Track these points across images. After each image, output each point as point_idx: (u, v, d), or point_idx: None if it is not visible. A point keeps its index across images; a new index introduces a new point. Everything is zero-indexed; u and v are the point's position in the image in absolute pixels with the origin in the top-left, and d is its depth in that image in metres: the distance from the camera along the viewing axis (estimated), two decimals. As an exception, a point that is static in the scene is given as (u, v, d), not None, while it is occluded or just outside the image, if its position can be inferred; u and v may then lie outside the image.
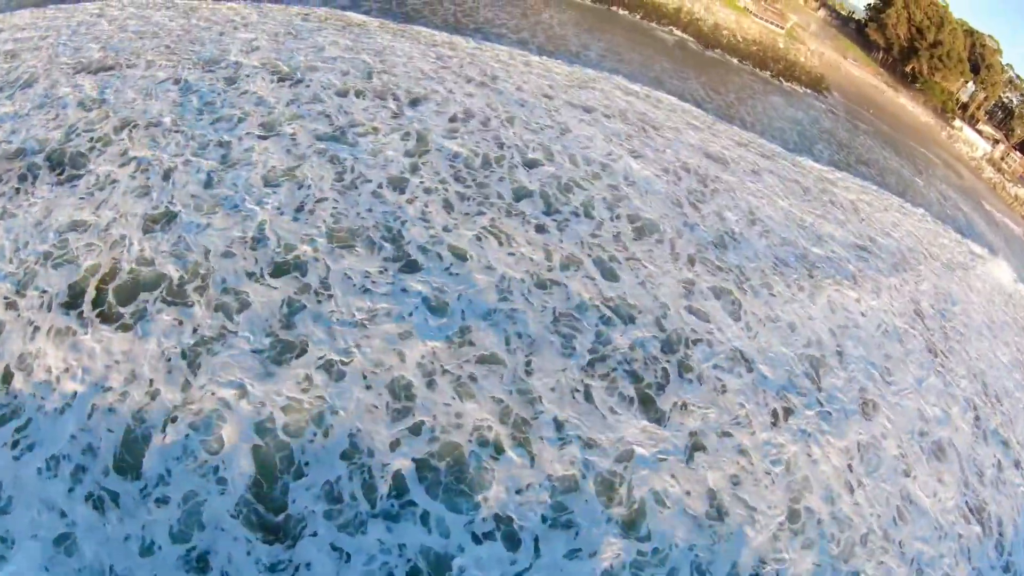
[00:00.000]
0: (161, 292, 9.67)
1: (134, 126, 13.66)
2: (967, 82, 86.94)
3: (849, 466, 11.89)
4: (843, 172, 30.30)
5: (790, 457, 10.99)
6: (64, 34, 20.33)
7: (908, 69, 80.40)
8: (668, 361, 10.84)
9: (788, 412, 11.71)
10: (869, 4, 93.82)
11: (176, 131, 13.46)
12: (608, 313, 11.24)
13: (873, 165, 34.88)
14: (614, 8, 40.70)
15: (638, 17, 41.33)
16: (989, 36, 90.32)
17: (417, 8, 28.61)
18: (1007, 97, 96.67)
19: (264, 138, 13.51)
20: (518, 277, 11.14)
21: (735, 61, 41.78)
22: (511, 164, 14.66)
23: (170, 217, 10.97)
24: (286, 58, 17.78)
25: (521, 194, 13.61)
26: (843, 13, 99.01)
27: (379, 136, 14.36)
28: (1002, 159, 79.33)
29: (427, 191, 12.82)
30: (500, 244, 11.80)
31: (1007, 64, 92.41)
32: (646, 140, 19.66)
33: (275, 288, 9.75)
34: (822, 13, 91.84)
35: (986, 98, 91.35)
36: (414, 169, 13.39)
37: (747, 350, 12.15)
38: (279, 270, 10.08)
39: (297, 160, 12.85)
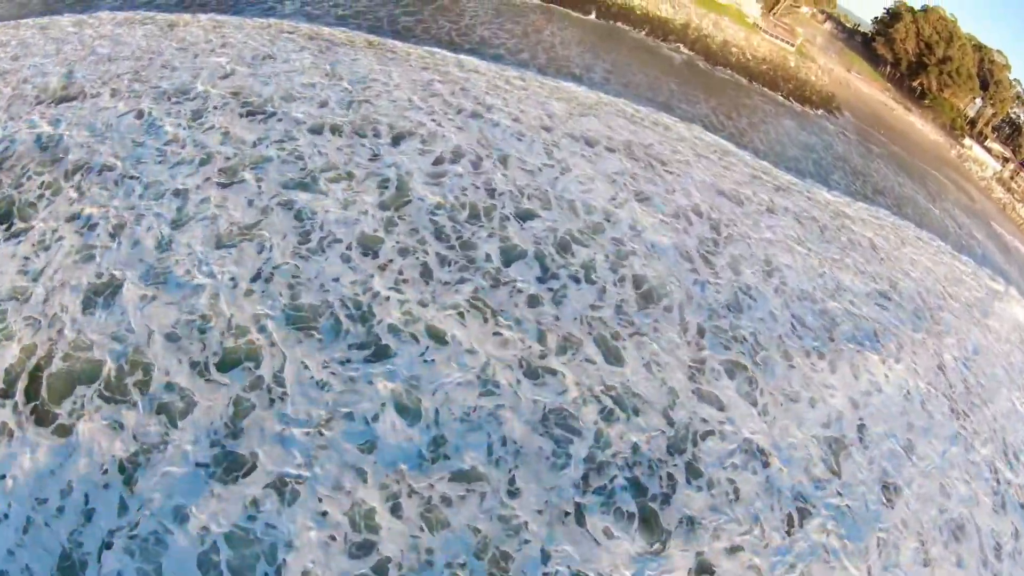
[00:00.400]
0: (99, 386, 8.45)
1: (87, 170, 12.42)
2: (975, 98, 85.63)
3: (868, 569, 10.66)
4: (860, 202, 29.07)
5: (804, 569, 9.74)
6: (36, 54, 19.10)
7: (916, 84, 79.10)
8: (675, 465, 9.56)
9: (804, 515, 10.44)
10: (876, 18, 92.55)
11: (131, 177, 12.21)
12: (609, 404, 9.96)
13: (889, 194, 33.61)
14: (618, 24, 39.64)
15: (643, 34, 40.12)
16: (998, 51, 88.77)
17: (409, 26, 27.25)
18: (1015, 112, 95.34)
19: (225, 186, 12.27)
20: (505, 363, 9.88)
21: (745, 81, 40.68)
22: (502, 216, 13.39)
23: (114, 289, 9.74)
24: (260, 87, 16.49)
25: (512, 256, 12.33)
26: (848, 26, 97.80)
27: (353, 184, 13.09)
28: (1011, 178, 77.89)
29: (403, 252, 11.54)
30: (485, 321, 10.54)
31: (1015, 79, 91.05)
32: (653, 178, 18.41)
33: (223, 384, 8.49)
34: (828, 26, 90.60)
35: (994, 114, 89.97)
36: (390, 225, 12.10)
37: (762, 441, 10.87)
38: (228, 360, 8.82)
39: (259, 214, 11.59)
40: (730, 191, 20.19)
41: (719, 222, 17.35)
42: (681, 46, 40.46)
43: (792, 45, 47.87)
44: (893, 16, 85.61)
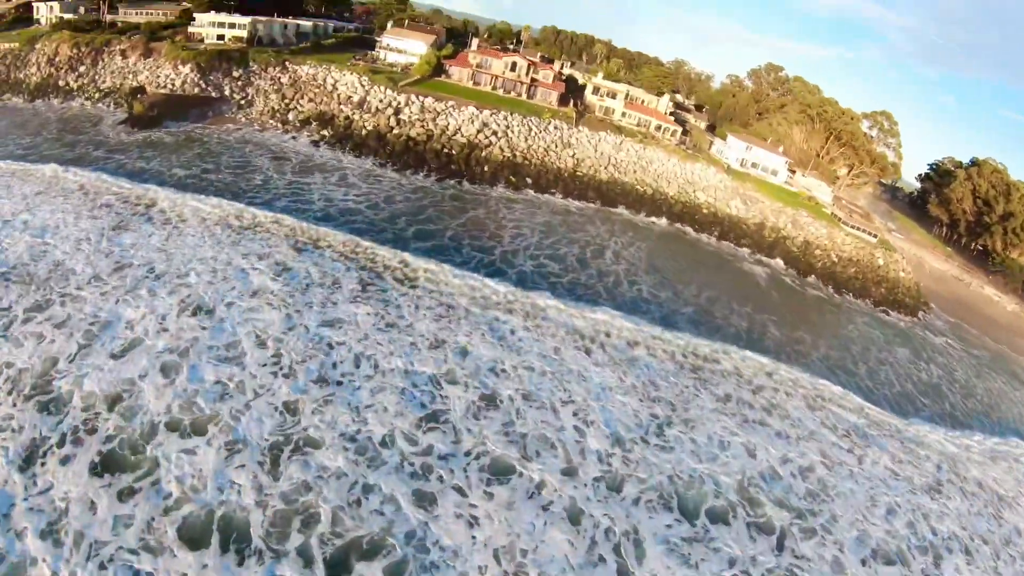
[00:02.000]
0: None
1: None
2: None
3: None
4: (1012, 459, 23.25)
5: None
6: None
7: (979, 245, 74.52)
8: None
9: None
10: (922, 175, 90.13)
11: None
12: None
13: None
14: (685, 227, 35.70)
15: (715, 237, 35.79)
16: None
17: (423, 251, 21.64)
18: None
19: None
20: None
21: (836, 293, 35.20)
22: None
23: None
24: (156, 389, 12.12)
25: None
26: (887, 183, 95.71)
27: None
28: (1096, 341, 70.48)
29: None
30: None
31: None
32: (795, 566, 12.93)
33: None
34: (869, 188, 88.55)
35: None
36: None
37: None
38: None
39: None
40: (885, 541, 14.51)
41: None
42: (761, 256, 36.03)
43: (874, 237, 43.16)
44: (943, 174, 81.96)
